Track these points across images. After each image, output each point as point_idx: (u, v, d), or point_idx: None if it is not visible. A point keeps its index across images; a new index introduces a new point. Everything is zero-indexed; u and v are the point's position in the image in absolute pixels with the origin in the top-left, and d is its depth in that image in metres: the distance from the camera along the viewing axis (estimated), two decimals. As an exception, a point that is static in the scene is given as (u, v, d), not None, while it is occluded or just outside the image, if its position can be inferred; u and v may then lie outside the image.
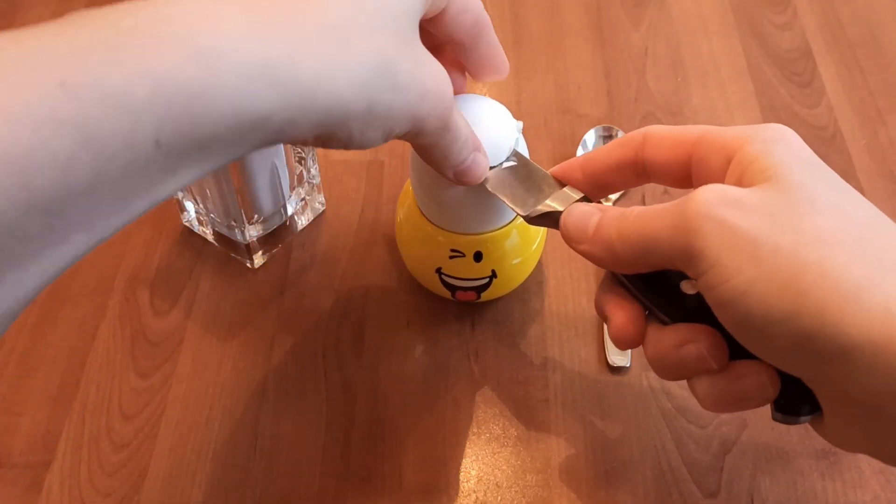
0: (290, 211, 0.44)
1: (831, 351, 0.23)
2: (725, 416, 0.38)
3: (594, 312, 0.42)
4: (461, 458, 0.37)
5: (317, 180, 0.45)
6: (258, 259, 0.44)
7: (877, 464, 0.37)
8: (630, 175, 0.32)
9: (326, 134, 0.25)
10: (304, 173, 0.44)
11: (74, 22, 0.20)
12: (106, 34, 0.20)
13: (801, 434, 0.38)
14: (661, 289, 0.30)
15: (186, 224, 0.46)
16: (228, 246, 0.44)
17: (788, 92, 0.53)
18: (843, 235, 0.24)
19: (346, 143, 0.26)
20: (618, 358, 0.40)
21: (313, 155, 0.44)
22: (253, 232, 0.43)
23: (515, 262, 0.39)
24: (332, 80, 0.24)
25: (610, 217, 0.29)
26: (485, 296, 0.40)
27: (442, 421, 0.39)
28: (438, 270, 0.39)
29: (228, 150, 0.23)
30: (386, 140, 0.27)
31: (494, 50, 0.34)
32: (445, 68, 0.29)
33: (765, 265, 0.24)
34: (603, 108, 0.52)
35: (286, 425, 0.38)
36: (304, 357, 0.41)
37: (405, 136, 0.28)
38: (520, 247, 0.39)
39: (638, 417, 0.38)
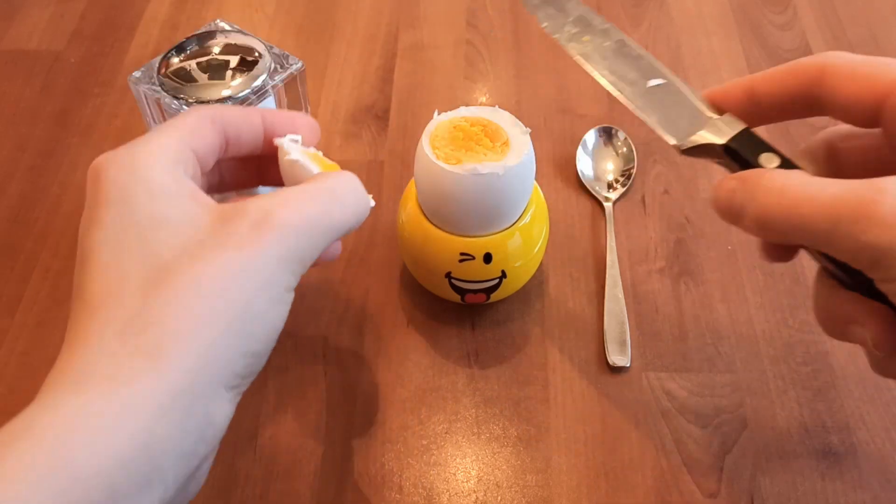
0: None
1: None
2: (725, 416, 0.38)
3: (594, 312, 0.42)
4: (461, 458, 0.37)
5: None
6: None
7: (877, 464, 0.37)
8: (801, 108, 0.28)
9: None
10: None
11: None
12: None
13: (801, 434, 0.38)
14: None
15: None
16: None
17: (788, 92, 0.53)
18: None
19: None
20: (618, 358, 0.40)
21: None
22: None
23: (523, 261, 0.39)
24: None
25: (766, 191, 0.26)
26: (493, 297, 0.40)
27: (442, 421, 0.39)
28: (448, 275, 0.39)
29: None
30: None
31: (288, 117, 0.32)
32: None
33: None
34: (603, 108, 0.52)
35: (286, 425, 0.38)
36: (304, 357, 0.41)
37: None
38: (526, 246, 0.39)
39: (638, 417, 0.38)
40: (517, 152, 0.37)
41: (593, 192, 0.47)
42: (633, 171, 0.48)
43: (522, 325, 0.42)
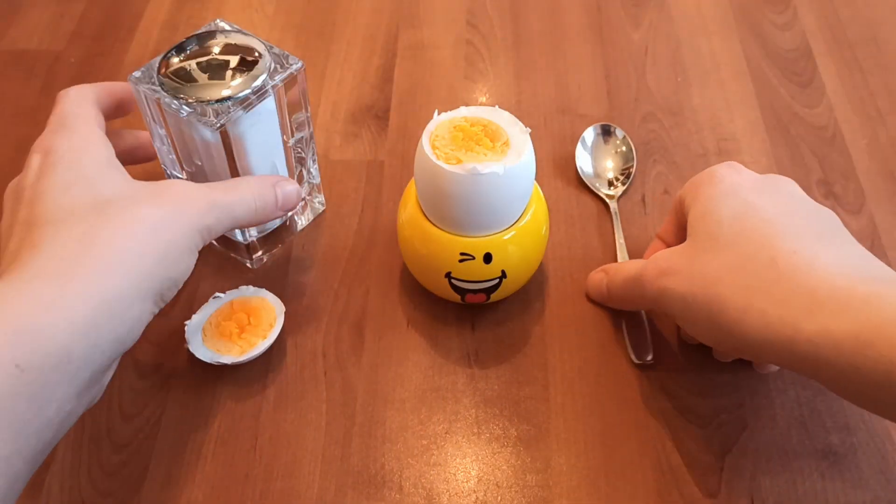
0: (290, 212, 0.44)
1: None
2: (725, 416, 0.38)
3: (594, 312, 0.42)
4: (461, 458, 0.37)
5: (317, 180, 0.45)
6: (258, 259, 0.44)
7: (877, 464, 0.37)
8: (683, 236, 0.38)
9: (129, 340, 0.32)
10: (304, 173, 0.44)
11: None
12: None
13: (800, 434, 0.38)
14: None
15: None
16: (228, 246, 0.44)
17: (788, 92, 0.53)
18: (730, 274, 0.33)
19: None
20: (642, 353, 0.40)
21: (313, 155, 0.44)
22: (253, 232, 0.43)
23: (523, 261, 0.39)
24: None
25: (613, 275, 0.40)
26: (493, 297, 0.40)
27: (442, 421, 0.39)
28: (448, 275, 0.39)
29: (76, 371, 0.30)
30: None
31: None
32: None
33: (692, 309, 0.34)
34: (603, 108, 0.52)
35: (286, 425, 0.38)
36: (304, 357, 0.41)
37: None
38: (526, 246, 0.39)
39: (638, 417, 0.38)
40: (517, 152, 0.37)
41: (594, 189, 0.47)
42: (633, 169, 0.48)
43: (522, 325, 0.42)
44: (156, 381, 0.40)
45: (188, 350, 0.39)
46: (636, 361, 0.40)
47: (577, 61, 0.55)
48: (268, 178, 0.39)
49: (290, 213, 0.44)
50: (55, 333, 0.29)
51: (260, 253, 0.44)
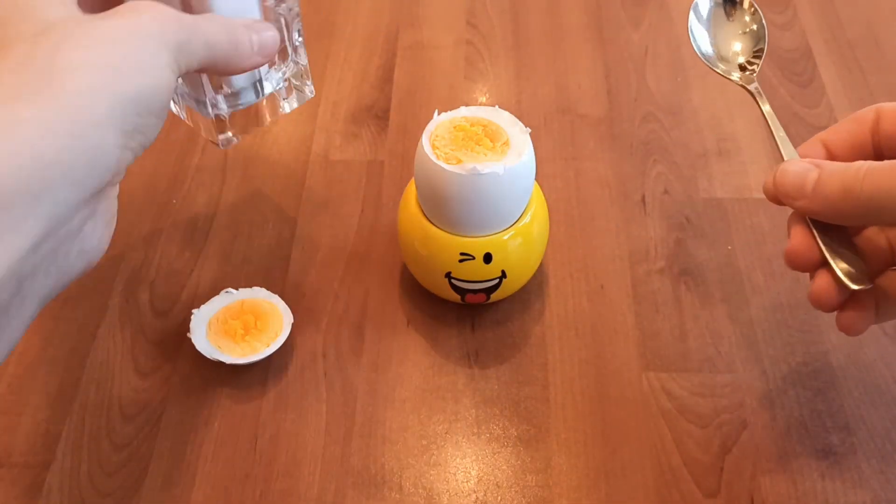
0: (267, 89, 0.39)
1: None
2: (725, 416, 0.38)
3: (594, 312, 0.42)
4: (461, 458, 0.37)
5: (304, 62, 0.40)
6: (226, 139, 0.38)
7: (877, 464, 0.37)
8: (869, 153, 0.32)
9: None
10: (289, 50, 0.39)
11: None
12: None
13: (800, 434, 0.38)
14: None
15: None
16: (196, 120, 0.39)
17: (788, 92, 0.53)
18: None
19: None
20: (857, 276, 0.31)
21: (300, 33, 0.39)
22: (223, 105, 0.37)
23: (523, 261, 0.40)
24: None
25: (830, 173, 0.30)
26: (493, 297, 0.40)
27: (442, 421, 0.39)
28: (448, 275, 0.39)
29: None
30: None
31: None
32: None
33: None
34: (603, 108, 0.52)
35: (286, 425, 0.38)
36: (304, 357, 0.41)
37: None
38: (527, 246, 0.39)
39: (638, 417, 0.38)
40: (517, 152, 0.37)
41: (722, 74, 0.39)
42: (764, 49, 0.40)
43: (522, 325, 0.42)
44: (156, 381, 0.40)
45: (189, 340, 0.39)
46: (853, 287, 0.31)
47: (577, 61, 0.55)
48: (238, 20, 0.32)
49: (269, 90, 0.39)
50: None
51: (230, 134, 0.38)
